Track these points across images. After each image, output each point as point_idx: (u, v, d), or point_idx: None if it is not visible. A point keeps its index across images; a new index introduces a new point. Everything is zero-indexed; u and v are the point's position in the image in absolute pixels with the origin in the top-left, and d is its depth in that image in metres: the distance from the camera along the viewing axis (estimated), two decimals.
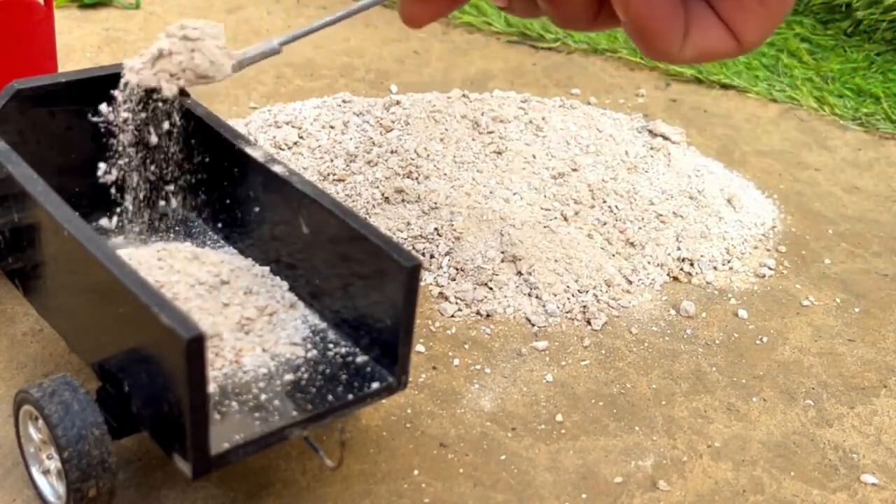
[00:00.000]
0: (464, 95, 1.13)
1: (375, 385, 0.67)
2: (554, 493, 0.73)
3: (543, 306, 0.91)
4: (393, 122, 1.07)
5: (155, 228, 0.82)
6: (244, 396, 0.65)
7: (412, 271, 0.63)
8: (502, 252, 0.93)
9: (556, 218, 0.98)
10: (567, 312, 0.91)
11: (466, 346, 0.86)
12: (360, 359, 0.69)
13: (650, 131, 1.13)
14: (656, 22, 0.57)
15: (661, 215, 1.01)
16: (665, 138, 1.12)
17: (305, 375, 0.67)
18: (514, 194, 1.00)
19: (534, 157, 1.04)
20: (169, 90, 0.70)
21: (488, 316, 0.90)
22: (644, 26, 0.56)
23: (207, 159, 0.80)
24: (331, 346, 0.70)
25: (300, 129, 1.09)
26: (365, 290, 0.68)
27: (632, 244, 0.98)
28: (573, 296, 0.92)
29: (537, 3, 0.61)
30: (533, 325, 0.90)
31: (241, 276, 0.73)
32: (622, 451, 0.77)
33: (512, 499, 0.72)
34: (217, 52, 0.69)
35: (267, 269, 0.76)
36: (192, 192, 0.84)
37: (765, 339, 0.91)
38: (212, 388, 0.65)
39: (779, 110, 1.38)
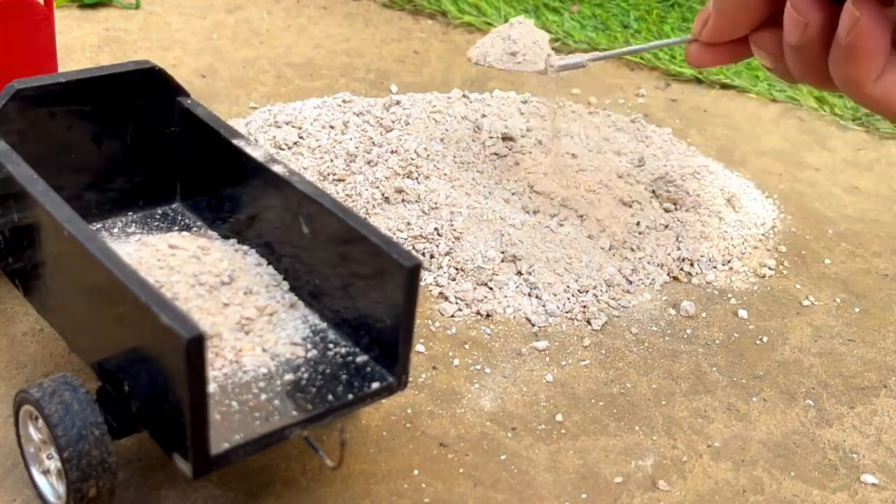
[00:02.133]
0: (464, 95, 1.13)
1: (375, 385, 0.67)
2: (554, 492, 0.73)
3: (543, 306, 0.91)
4: (393, 122, 1.07)
5: (155, 228, 0.82)
6: (244, 396, 0.65)
7: (412, 271, 0.63)
8: (502, 252, 0.93)
9: (555, 218, 0.98)
10: (567, 312, 0.91)
11: (466, 346, 0.86)
12: (360, 359, 0.69)
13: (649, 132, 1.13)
14: (869, 45, 0.66)
15: (661, 215, 1.01)
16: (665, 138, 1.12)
17: (305, 375, 0.67)
18: (513, 194, 1.00)
19: (531, 156, 1.04)
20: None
21: (488, 316, 0.90)
22: (858, 45, 0.65)
23: (207, 159, 0.80)
24: (331, 345, 0.70)
25: (300, 129, 1.09)
26: (365, 290, 0.68)
27: (632, 245, 0.98)
28: (573, 296, 0.92)
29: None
30: (533, 325, 0.90)
31: (241, 276, 0.73)
32: (622, 451, 0.77)
33: (512, 499, 0.72)
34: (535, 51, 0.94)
35: (267, 269, 0.76)
36: (192, 192, 0.84)
37: (765, 339, 0.91)
38: (212, 388, 0.65)
39: (779, 110, 1.38)
